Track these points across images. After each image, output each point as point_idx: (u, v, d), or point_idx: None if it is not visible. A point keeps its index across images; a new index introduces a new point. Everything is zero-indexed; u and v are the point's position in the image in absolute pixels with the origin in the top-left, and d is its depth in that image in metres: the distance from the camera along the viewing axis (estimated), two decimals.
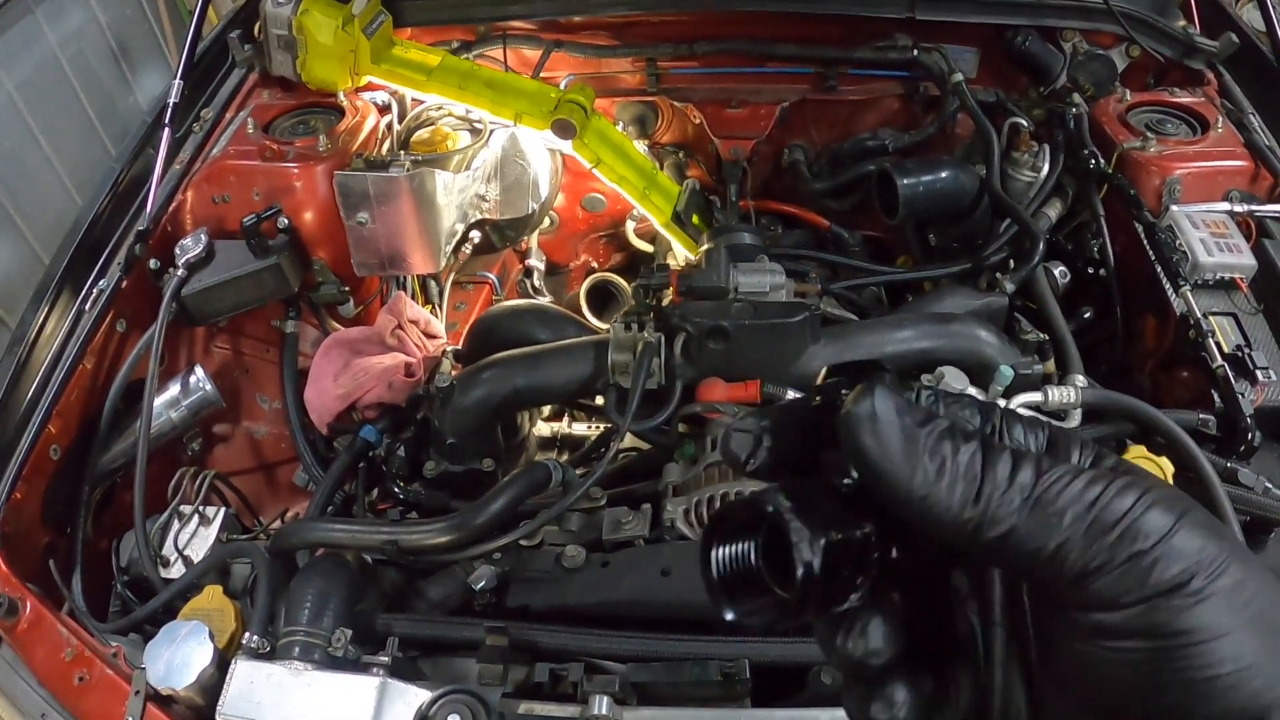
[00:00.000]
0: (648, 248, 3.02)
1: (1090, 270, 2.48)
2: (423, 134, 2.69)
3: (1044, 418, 0.49)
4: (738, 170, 2.96)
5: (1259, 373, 2.02)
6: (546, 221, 3.08)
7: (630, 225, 3.04)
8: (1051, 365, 2.14)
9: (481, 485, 1.98)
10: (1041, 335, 2.23)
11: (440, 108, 2.72)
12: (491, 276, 3.07)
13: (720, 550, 0.52)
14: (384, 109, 2.71)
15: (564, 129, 2.50)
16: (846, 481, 0.50)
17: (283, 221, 2.35)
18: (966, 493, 0.46)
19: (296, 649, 1.60)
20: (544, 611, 1.78)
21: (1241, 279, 2.22)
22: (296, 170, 2.41)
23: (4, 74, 3.77)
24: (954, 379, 1.95)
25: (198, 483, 2.16)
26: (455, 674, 1.68)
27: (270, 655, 1.61)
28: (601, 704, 1.49)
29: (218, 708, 1.54)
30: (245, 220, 2.28)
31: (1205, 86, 2.70)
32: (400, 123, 2.73)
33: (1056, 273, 2.44)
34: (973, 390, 1.96)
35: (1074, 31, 2.78)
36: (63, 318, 2.21)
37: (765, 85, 2.96)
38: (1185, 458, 1.83)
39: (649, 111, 3.06)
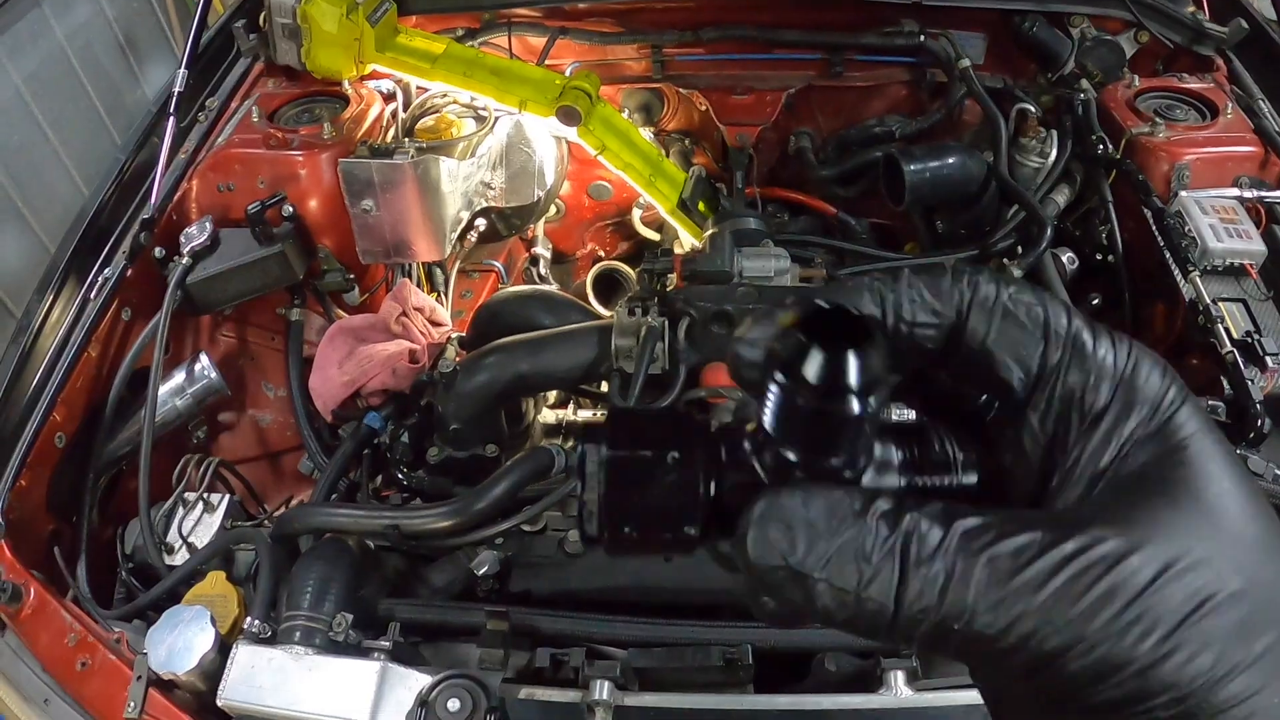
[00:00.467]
0: (654, 236, 3.01)
1: (1098, 257, 2.46)
2: (427, 121, 2.69)
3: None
4: (744, 157, 2.95)
5: (1269, 359, 2.01)
6: (553, 210, 3.08)
7: (637, 213, 3.03)
8: None
9: (485, 471, 1.97)
10: None
11: (445, 95, 2.71)
12: (498, 265, 3.07)
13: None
14: (389, 97, 2.71)
15: (569, 116, 2.49)
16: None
17: (287, 209, 2.34)
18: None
19: (298, 634, 1.60)
20: (546, 596, 1.78)
21: (1251, 265, 2.21)
22: (301, 158, 2.41)
23: (12, 68, 3.78)
24: None
25: (202, 470, 2.16)
26: (457, 659, 1.68)
27: (272, 640, 1.62)
28: (602, 689, 1.49)
29: (219, 692, 1.54)
30: (250, 208, 2.28)
31: (1214, 72, 2.69)
32: (405, 110, 2.73)
33: (1064, 259, 2.43)
34: None
35: (1082, 17, 2.76)
36: (68, 306, 2.22)
37: (771, 72, 2.95)
38: None
39: (654, 98, 3.05)
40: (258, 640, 1.61)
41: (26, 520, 1.94)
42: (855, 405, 0.41)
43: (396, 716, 1.49)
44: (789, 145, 3.03)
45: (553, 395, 2.44)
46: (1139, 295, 2.39)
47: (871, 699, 1.53)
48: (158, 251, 2.28)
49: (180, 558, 2.01)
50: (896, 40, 2.82)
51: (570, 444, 2.28)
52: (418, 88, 2.76)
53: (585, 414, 2.44)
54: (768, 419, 0.43)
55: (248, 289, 2.35)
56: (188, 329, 2.44)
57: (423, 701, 1.46)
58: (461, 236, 2.69)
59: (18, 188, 3.74)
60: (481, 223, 2.79)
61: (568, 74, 2.73)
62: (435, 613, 1.72)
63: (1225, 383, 2.02)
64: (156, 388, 2.12)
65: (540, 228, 3.10)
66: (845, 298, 0.45)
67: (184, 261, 2.25)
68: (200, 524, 2.08)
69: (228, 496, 2.14)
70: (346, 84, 2.63)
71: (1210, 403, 1.98)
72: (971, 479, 0.48)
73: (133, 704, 1.59)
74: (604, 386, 2.24)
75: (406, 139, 2.59)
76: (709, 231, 2.30)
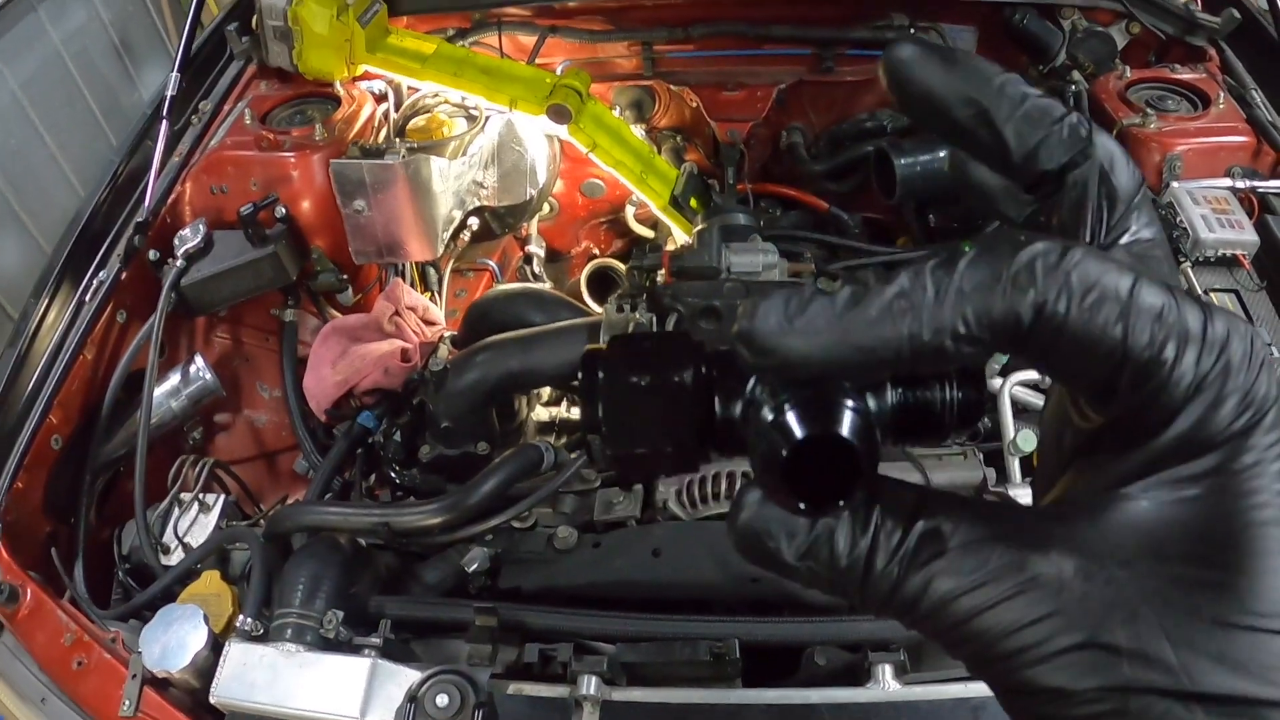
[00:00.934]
0: (648, 233, 3.02)
1: None
2: (418, 121, 2.70)
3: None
4: (735, 153, 2.96)
5: None
6: (546, 208, 3.09)
7: (630, 210, 3.04)
8: None
9: (477, 469, 1.97)
10: None
11: (436, 95, 2.72)
12: (492, 264, 3.08)
13: None
14: (380, 97, 2.72)
15: (559, 114, 2.50)
16: None
17: (280, 211, 2.36)
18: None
19: (289, 631, 1.61)
20: (536, 592, 1.79)
21: (1244, 255, 2.21)
22: (293, 159, 2.42)
23: (8, 72, 3.80)
24: None
25: (198, 470, 2.18)
26: (448, 655, 1.69)
27: (264, 638, 1.63)
28: (590, 684, 1.50)
29: (212, 690, 1.56)
30: (242, 210, 2.29)
31: (1207, 63, 2.68)
32: (396, 111, 2.74)
33: None
34: None
35: (1073, 9, 2.77)
36: (63, 309, 2.23)
37: (762, 68, 2.95)
38: None
39: (646, 96, 3.05)
40: (250, 638, 1.63)
41: (23, 521, 1.95)
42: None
43: (387, 712, 1.50)
44: (780, 141, 3.03)
45: (546, 393, 2.44)
46: None
47: (859, 693, 1.53)
48: (152, 254, 2.30)
49: (176, 558, 2.02)
50: (887, 34, 2.82)
51: (563, 440, 2.30)
52: (409, 88, 2.77)
53: (578, 411, 2.45)
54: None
55: (242, 290, 2.36)
56: (182, 331, 2.45)
57: (412, 697, 1.47)
58: (454, 236, 2.70)
59: (14, 191, 3.76)
60: (474, 222, 2.80)
61: (558, 72, 2.74)
62: (426, 609, 1.73)
63: None
64: (152, 389, 2.13)
65: (534, 226, 3.11)
66: (855, 346, 0.37)
67: (178, 264, 2.27)
68: (196, 524, 2.09)
69: (223, 497, 2.15)
70: (338, 85, 2.64)
71: None
72: (970, 393, 0.43)
73: (128, 702, 1.61)
74: None
75: (398, 139, 2.60)
76: (698, 227, 2.31)
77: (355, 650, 1.59)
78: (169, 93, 2.56)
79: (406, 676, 1.52)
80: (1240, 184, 2.32)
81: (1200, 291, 2.12)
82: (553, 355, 2.07)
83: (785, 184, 2.98)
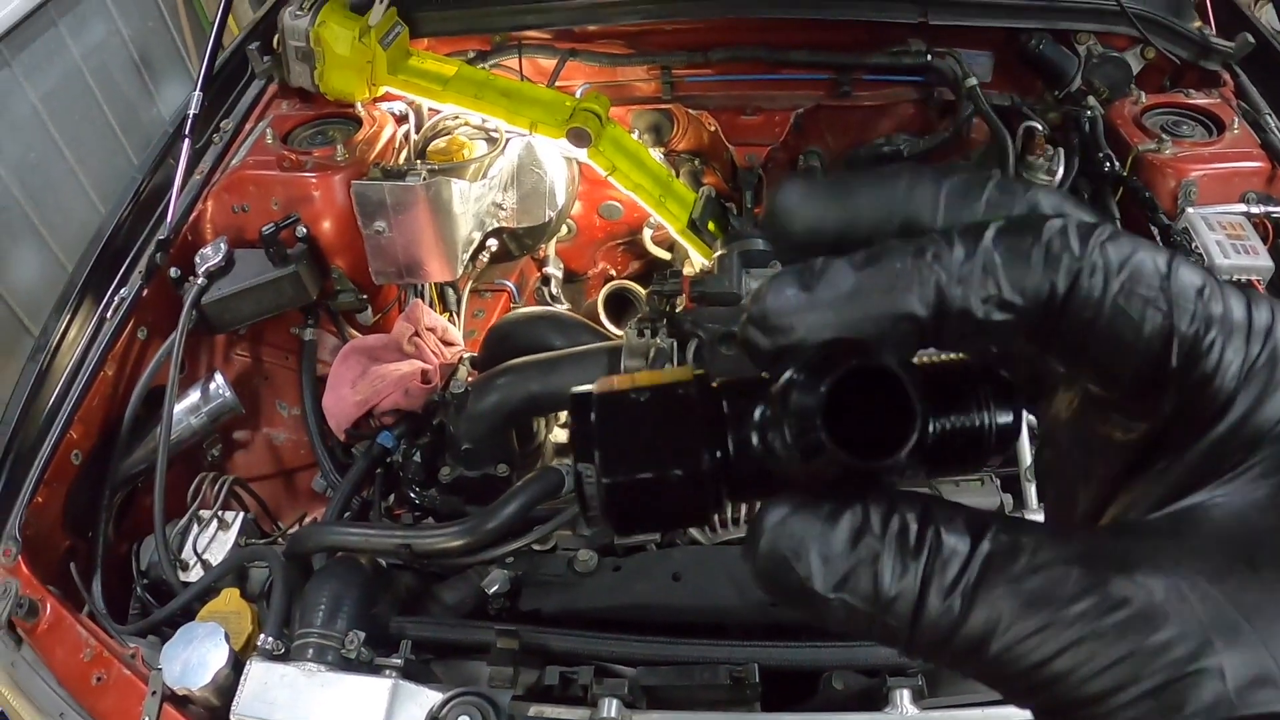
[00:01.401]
0: (665, 255, 3.03)
1: None
2: (439, 143, 2.72)
3: None
4: (753, 177, 2.97)
5: None
6: (564, 229, 3.10)
7: (647, 233, 3.05)
8: None
9: (496, 491, 1.99)
10: None
11: (456, 117, 2.74)
12: (509, 284, 3.09)
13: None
14: (401, 119, 2.74)
15: (579, 137, 2.51)
16: None
17: (301, 230, 2.37)
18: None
19: (310, 650, 1.62)
20: (556, 615, 1.80)
21: (1259, 281, 2.21)
22: (314, 180, 2.44)
23: (28, 86, 3.83)
24: None
25: (217, 487, 2.19)
26: (468, 676, 1.70)
27: (285, 657, 1.64)
28: (611, 707, 1.51)
29: (232, 708, 1.56)
30: (264, 229, 2.30)
31: (1221, 87, 2.69)
32: (417, 132, 2.76)
33: None
34: None
35: (1088, 34, 2.77)
36: (84, 325, 2.24)
37: (780, 92, 2.96)
38: None
39: (664, 119, 3.07)
40: (271, 657, 1.64)
41: (43, 536, 1.97)
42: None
43: None
44: (798, 165, 3.04)
45: (564, 414, 2.45)
46: None
47: (877, 718, 1.54)
48: (173, 272, 2.31)
49: (195, 574, 2.03)
50: (904, 60, 2.83)
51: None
52: (429, 110, 2.79)
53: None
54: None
55: (262, 309, 2.37)
56: (202, 348, 2.47)
57: (433, 718, 1.48)
58: (473, 257, 2.71)
59: (34, 204, 3.79)
60: (493, 243, 2.82)
61: (578, 95, 2.76)
62: (446, 631, 1.74)
63: None
64: (172, 406, 2.15)
65: (552, 247, 3.13)
66: (880, 303, 0.34)
67: (199, 282, 2.28)
68: (215, 541, 2.10)
69: (242, 514, 2.16)
70: (359, 106, 2.66)
71: None
72: (1006, 417, 0.38)
73: (147, 718, 1.61)
74: None
75: (419, 161, 2.62)
76: (717, 253, 2.32)
77: (376, 671, 1.60)
78: (191, 111, 2.58)
79: (428, 697, 1.53)
80: (1255, 209, 2.33)
81: None
82: (573, 379, 2.08)
83: None
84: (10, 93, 3.75)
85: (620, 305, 2.98)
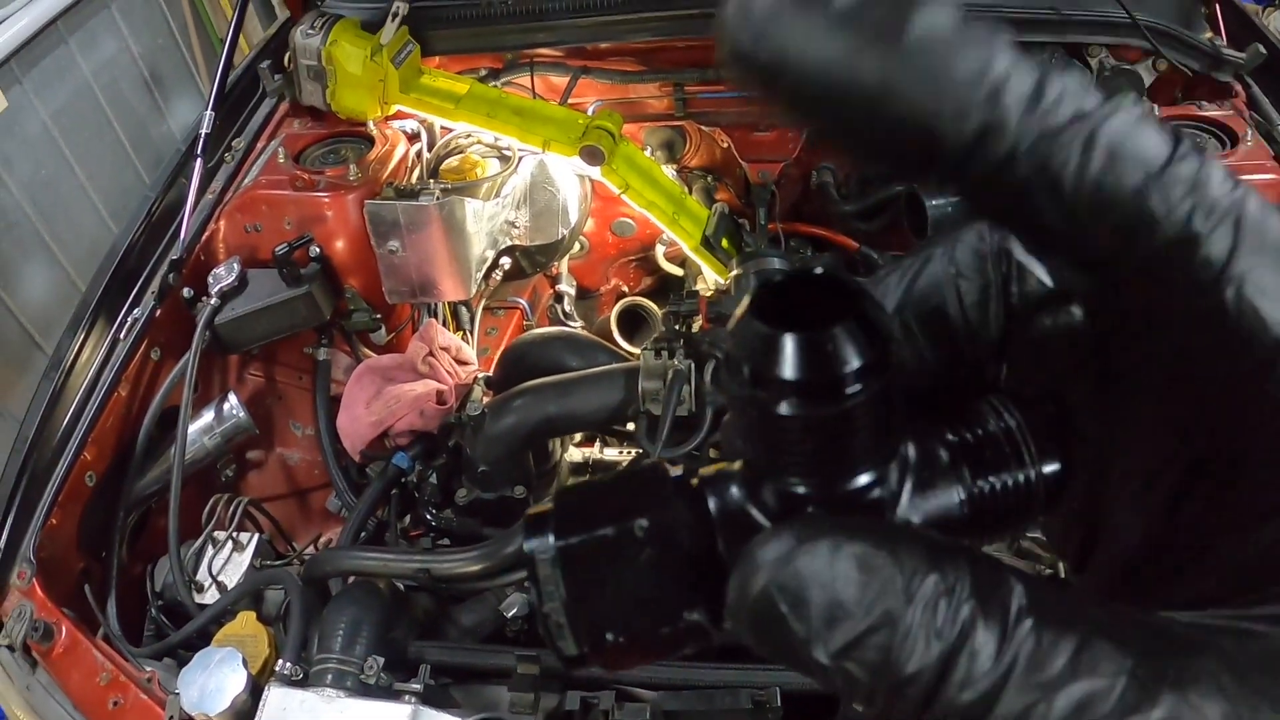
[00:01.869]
0: (678, 272, 3.02)
1: None
2: (452, 162, 2.71)
3: None
4: (766, 193, 2.96)
5: None
6: (577, 246, 3.09)
7: (660, 250, 3.04)
8: None
9: (513, 512, 1.98)
10: None
11: (469, 135, 2.74)
12: (522, 302, 3.08)
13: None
14: (413, 137, 2.74)
15: (592, 155, 2.51)
16: None
17: (314, 250, 2.37)
18: None
19: (329, 676, 1.61)
20: None
21: None
22: (327, 199, 2.44)
23: (39, 103, 3.84)
24: None
25: (231, 508, 2.18)
26: (487, 701, 1.68)
27: (303, 682, 1.63)
28: None
29: None
30: (277, 249, 2.30)
31: (1233, 99, 2.68)
32: (429, 151, 2.76)
33: None
34: None
35: (1100, 47, 2.76)
36: (98, 345, 2.24)
37: None
38: None
39: (677, 136, 3.06)
40: (289, 682, 1.63)
41: (58, 558, 1.96)
42: (862, 391, 0.30)
43: None
44: (811, 181, 3.03)
45: (579, 434, 2.45)
46: None
47: None
48: (186, 292, 2.31)
49: (210, 596, 2.02)
50: None
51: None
52: (442, 128, 2.78)
53: (612, 452, 2.45)
54: (750, 444, 0.33)
55: (275, 329, 2.37)
56: (216, 368, 2.46)
57: None
58: (487, 275, 2.71)
59: (45, 221, 3.80)
60: (506, 261, 2.81)
61: (590, 113, 2.75)
62: (466, 655, 1.73)
63: None
64: (186, 426, 2.14)
65: (564, 265, 3.12)
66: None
67: (212, 302, 2.28)
68: (230, 562, 2.09)
69: (257, 535, 2.15)
70: (371, 124, 2.66)
71: None
72: (1054, 465, 0.36)
73: None
74: (631, 426, 2.25)
75: (431, 180, 2.61)
76: (733, 272, 2.32)
77: (395, 696, 1.59)
78: (203, 130, 2.58)
79: None
80: None
81: None
82: (590, 401, 2.07)
83: (815, 223, 2.98)
84: (21, 110, 3.76)
85: (633, 322, 2.98)
